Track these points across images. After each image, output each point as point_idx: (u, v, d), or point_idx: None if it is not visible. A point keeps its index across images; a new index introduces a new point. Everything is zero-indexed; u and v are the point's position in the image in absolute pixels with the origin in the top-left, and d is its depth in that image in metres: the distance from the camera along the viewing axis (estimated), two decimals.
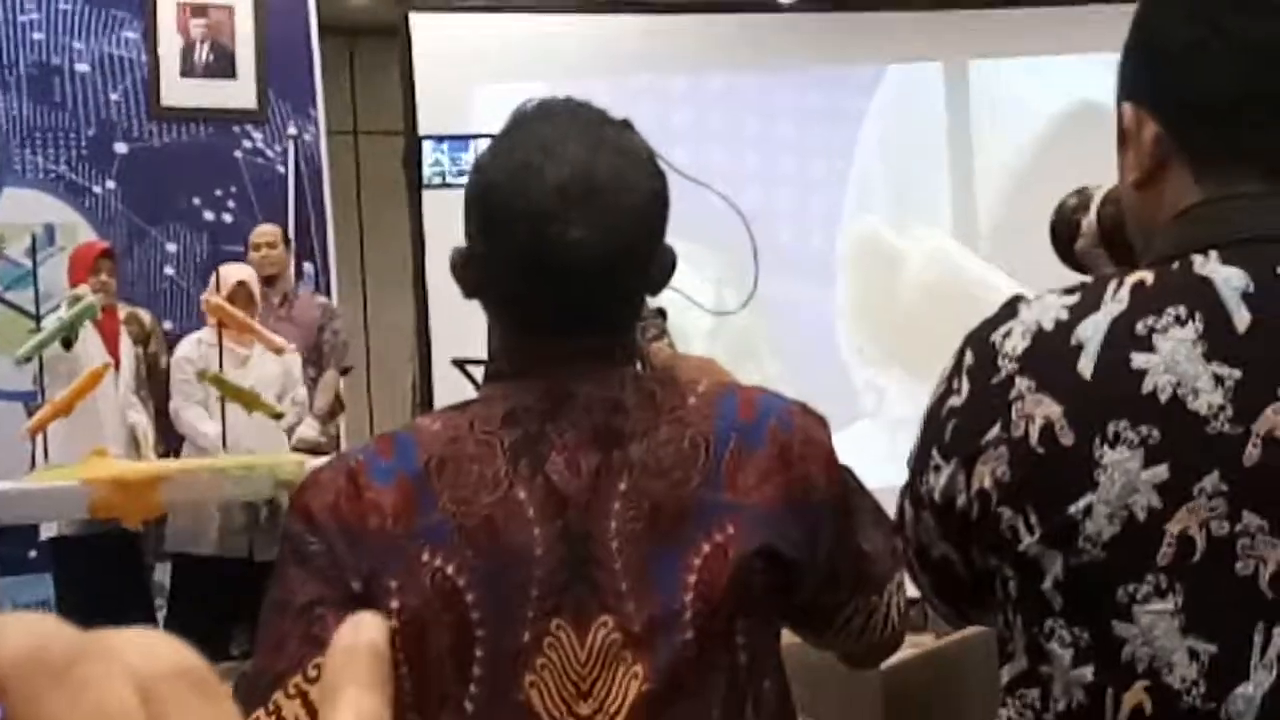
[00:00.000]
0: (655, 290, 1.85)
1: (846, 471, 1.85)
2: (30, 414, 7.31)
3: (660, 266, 1.82)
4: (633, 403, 1.77)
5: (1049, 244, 3.94)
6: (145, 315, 7.89)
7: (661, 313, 2.36)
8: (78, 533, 7.00)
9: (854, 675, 3.62)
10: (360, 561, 1.69)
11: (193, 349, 7.52)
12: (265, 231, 8.18)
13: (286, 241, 8.20)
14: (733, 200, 2.28)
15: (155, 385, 7.69)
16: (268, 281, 7.88)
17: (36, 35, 8.52)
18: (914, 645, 4.18)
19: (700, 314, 2.63)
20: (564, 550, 1.70)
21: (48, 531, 7.20)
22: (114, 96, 8.62)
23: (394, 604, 1.68)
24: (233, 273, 7.52)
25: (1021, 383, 1.55)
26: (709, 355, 2.39)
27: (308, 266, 8.63)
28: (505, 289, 1.79)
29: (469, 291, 1.83)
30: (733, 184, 2.34)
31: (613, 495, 1.72)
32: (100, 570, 7.06)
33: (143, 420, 7.47)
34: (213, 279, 7.46)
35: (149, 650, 0.44)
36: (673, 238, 1.83)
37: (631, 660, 1.69)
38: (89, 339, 7.31)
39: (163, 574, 7.77)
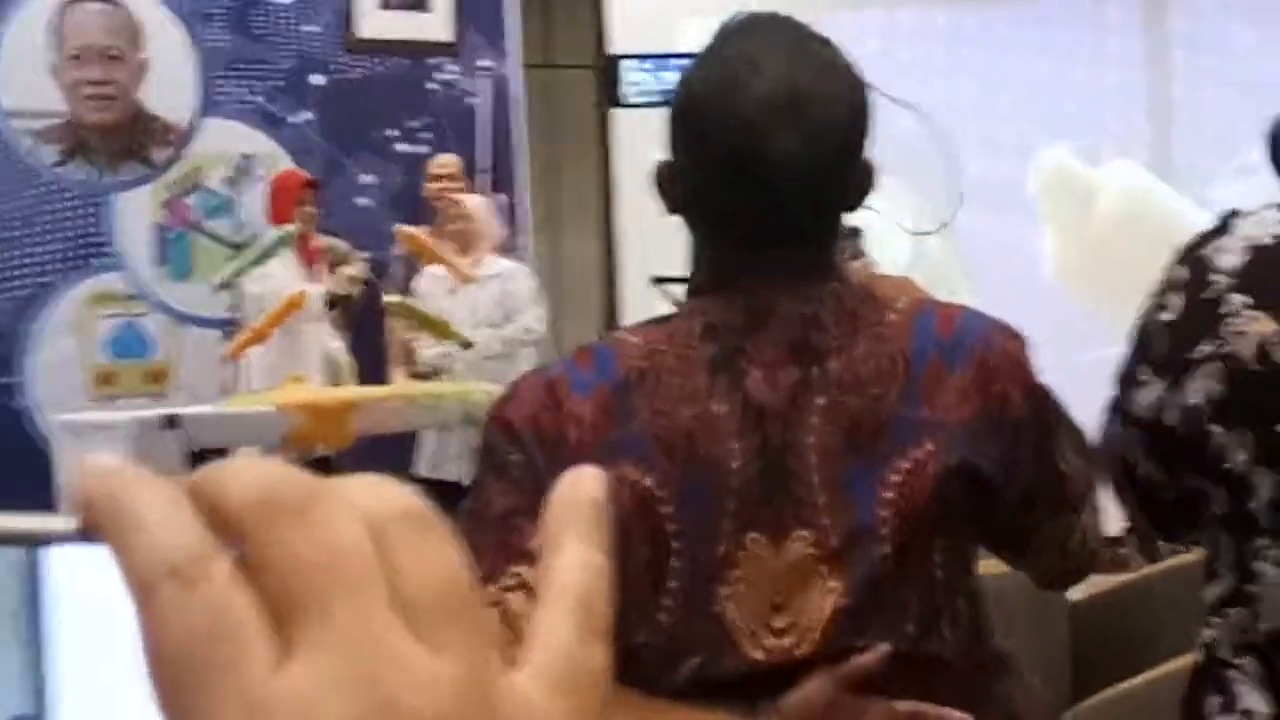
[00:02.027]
0: (855, 204, 1.84)
1: (1045, 391, 1.82)
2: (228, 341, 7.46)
3: (860, 180, 1.82)
4: (831, 318, 1.76)
5: (1244, 181, 3.85)
6: (341, 245, 7.98)
7: (856, 232, 2.35)
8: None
9: (1043, 605, 3.58)
10: (559, 472, 1.69)
11: (429, 283, 7.63)
12: (444, 163, 8.25)
13: (467, 172, 8.25)
14: (931, 125, 2.27)
15: (349, 314, 7.78)
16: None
17: None
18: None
19: (893, 239, 2.60)
20: (761, 464, 1.70)
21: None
22: (311, 28, 8.70)
23: None
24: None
25: (1236, 299, 1.52)
26: (905, 276, 2.37)
27: (501, 198, 8.67)
28: (708, 201, 1.79)
29: (672, 205, 1.83)
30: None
31: (811, 410, 1.71)
32: None
33: (338, 346, 7.56)
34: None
35: (377, 492, 0.45)
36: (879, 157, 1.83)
37: (828, 574, 1.68)
38: (287, 266, 7.43)
39: None
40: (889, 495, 1.69)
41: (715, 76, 1.76)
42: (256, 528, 0.43)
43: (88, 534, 0.43)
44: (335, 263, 7.76)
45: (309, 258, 7.55)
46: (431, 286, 7.60)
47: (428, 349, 7.48)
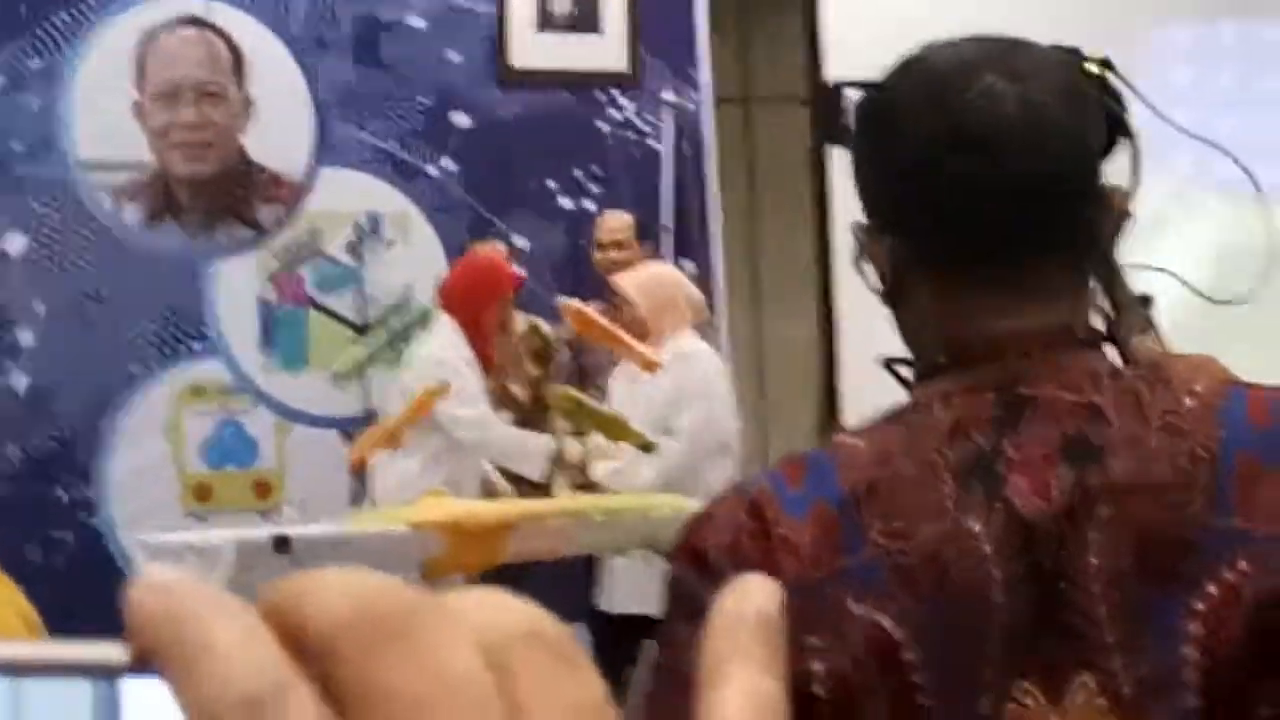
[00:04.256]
0: (1105, 238, 1.84)
1: None
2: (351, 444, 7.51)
3: (1109, 209, 1.85)
4: (1111, 406, 1.74)
5: None
6: (546, 327, 8.03)
7: (1146, 300, 2.34)
8: None
9: None
10: None
11: (619, 373, 7.58)
12: (613, 226, 8.24)
13: (643, 234, 8.21)
14: (1247, 168, 2.27)
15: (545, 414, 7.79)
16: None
17: None
18: None
19: (1195, 305, 2.58)
20: (1031, 594, 1.69)
21: None
22: (453, 57, 8.80)
23: (817, 667, 1.67)
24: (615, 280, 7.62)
25: None
26: (1206, 354, 2.34)
27: (688, 265, 8.66)
28: (924, 250, 1.81)
29: (881, 271, 1.85)
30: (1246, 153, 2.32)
31: (1091, 523, 1.70)
32: None
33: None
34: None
35: (498, 610, 0.46)
36: (1162, 209, 1.83)
37: None
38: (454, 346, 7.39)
39: None
40: (1195, 629, 1.67)
41: (917, 79, 1.82)
42: (348, 653, 0.43)
43: (143, 662, 0.45)
44: (540, 349, 7.80)
45: (488, 361, 7.47)
46: (617, 376, 7.58)
47: (599, 460, 7.45)
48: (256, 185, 8.51)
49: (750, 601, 0.50)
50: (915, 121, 1.78)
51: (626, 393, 7.45)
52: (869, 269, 1.87)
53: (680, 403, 7.42)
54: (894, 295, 1.86)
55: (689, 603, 1.72)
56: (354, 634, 0.43)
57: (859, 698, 1.66)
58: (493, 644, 0.44)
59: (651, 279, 7.68)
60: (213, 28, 8.50)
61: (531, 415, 7.84)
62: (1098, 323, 1.87)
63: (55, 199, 8.19)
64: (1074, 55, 1.87)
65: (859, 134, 1.87)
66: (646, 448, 7.12)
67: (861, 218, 1.87)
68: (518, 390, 7.87)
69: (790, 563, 1.70)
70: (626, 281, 7.57)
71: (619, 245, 8.06)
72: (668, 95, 9.04)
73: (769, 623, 0.49)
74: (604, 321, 7.53)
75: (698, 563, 1.75)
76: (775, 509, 1.74)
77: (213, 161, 8.47)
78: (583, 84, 8.94)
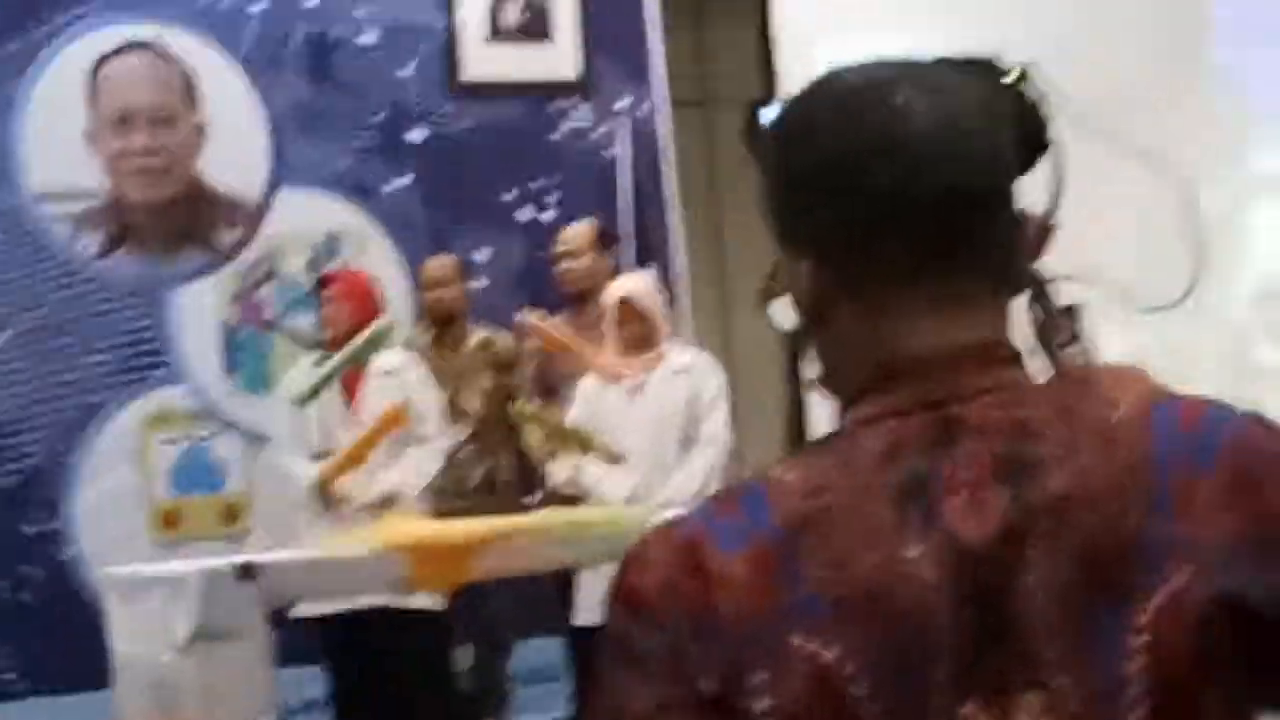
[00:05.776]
0: (1026, 250, 1.80)
1: None
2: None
3: (1027, 221, 1.80)
4: (1042, 421, 1.71)
5: None
6: (502, 339, 8.07)
7: (1072, 310, 2.30)
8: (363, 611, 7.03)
9: None
10: (712, 656, 1.65)
11: (595, 384, 7.44)
12: (567, 237, 8.09)
13: (604, 243, 8.12)
14: (1164, 167, 2.24)
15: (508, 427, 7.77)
16: (582, 298, 7.90)
17: (311, 1, 8.73)
18: None
19: (1124, 316, 2.56)
20: (974, 616, 1.64)
21: (312, 610, 7.16)
22: (405, 71, 8.78)
23: (763, 705, 1.64)
24: (615, 291, 7.46)
25: None
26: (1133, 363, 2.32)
27: (650, 271, 8.63)
28: (835, 248, 1.75)
29: (798, 296, 1.81)
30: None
31: (1030, 541, 1.66)
32: (396, 659, 7.08)
33: (408, 478, 7.43)
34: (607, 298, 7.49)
35: None
36: (1093, 218, 1.80)
37: None
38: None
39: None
40: (1140, 640, 1.63)
41: (829, 103, 1.77)
42: None
43: None
44: (494, 361, 7.81)
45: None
46: (600, 388, 7.49)
47: (561, 470, 7.41)
48: (213, 209, 8.50)
49: None
50: (828, 137, 1.74)
51: (630, 407, 7.39)
52: (785, 299, 1.84)
53: (701, 410, 7.40)
54: (813, 320, 1.83)
55: (627, 649, 1.69)
56: None
57: None
58: None
59: (651, 290, 7.58)
60: (164, 53, 8.48)
61: (485, 429, 7.88)
62: (1023, 337, 1.84)
63: (9, 229, 8.15)
64: (991, 67, 1.85)
65: (770, 154, 1.84)
66: (615, 460, 7.11)
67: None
68: (471, 403, 7.90)
69: (727, 600, 1.66)
70: (636, 294, 7.42)
71: (573, 254, 7.98)
72: (622, 101, 9.03)
73: None
74: (566, 335, 7.52)
75: (635, 607, 1.70)
76: (710, 546, 1.69)
77: (168, 187, 8.46)
78: (536, 93, 8.93)
